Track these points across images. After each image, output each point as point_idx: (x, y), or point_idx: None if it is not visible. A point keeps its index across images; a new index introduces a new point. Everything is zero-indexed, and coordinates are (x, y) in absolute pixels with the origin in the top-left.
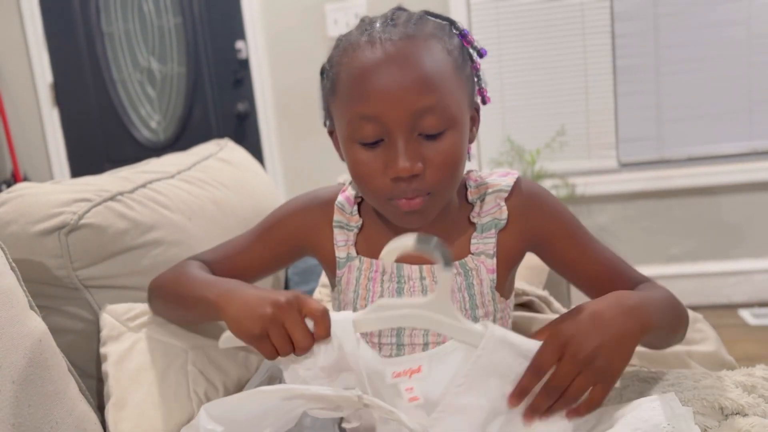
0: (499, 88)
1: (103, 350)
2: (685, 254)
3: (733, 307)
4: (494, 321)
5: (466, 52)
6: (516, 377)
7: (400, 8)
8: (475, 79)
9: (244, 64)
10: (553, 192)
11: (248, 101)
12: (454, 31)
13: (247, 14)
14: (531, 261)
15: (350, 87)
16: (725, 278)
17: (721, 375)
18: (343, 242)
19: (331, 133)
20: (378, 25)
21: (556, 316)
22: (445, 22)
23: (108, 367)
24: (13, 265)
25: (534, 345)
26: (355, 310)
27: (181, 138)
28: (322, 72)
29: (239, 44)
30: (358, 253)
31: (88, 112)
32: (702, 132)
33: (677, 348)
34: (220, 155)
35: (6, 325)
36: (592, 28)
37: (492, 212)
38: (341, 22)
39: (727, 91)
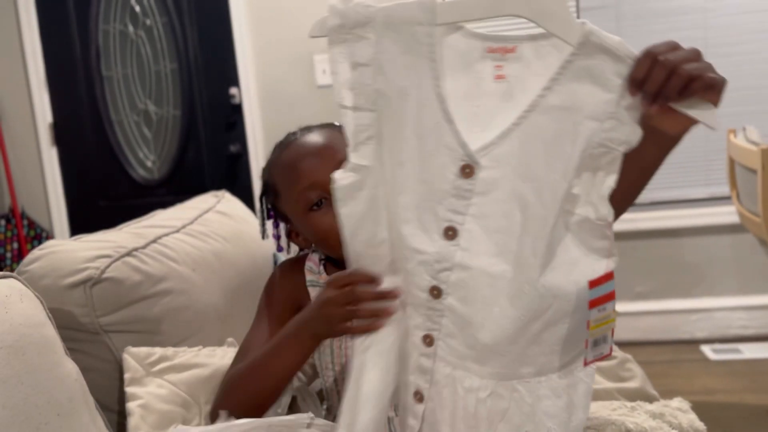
0: None
1: (128, 390)
2: (649, 292)
3: (694, 343)
4: None
5: None
6: (611, 86)
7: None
8: None
9: (237, 109)
10: None
11: (240, 143)
12: None
13: (241, 62)
14: None
15: (290, 167)
16: (687, 315)
17: (635, 405)
18: None
19: (290, 233)
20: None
21: None
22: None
23: (134, 407)
24: (50, 315)
25: (632, 51)
26: (331, 351)
27: (175, 177)
28: (264, 195)
29: (233, 90)
30: None
31: (86, 151)
32: (664, 179)
33: (607, 385)
34: (218, 208)
35: (52, 368)
36: None
37: None
38: (329, 71)
39: (687, 140)
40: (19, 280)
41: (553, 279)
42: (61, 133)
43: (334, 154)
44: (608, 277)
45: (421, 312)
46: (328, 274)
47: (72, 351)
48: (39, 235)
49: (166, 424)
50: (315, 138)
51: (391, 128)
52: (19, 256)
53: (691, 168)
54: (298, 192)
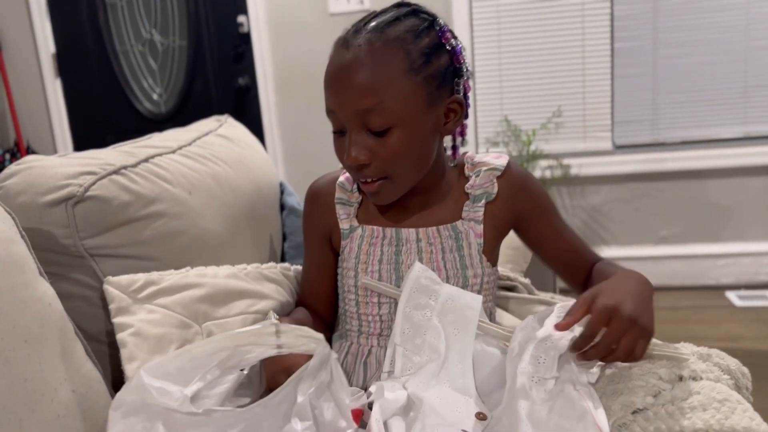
0: (497, 68)
1: (116, 320)
2: (675, 236)
3: (720, 289)
4: (482, 284)
5: (440, 50)
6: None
7: (380, 11)
8: (453, 73)
9: (246, 38)
10: (548, 173)
11: (249, 75)
12: (436, 27)
13: None
14: (515, 242)
15: (324, 83)
16: (713, 260)
17: (678, 346)
18: (345, 216)
19: None
20: (351, 29)
21: (538, 297)
22: (423, 21)
23: (126, 336)
24: (24, 233)
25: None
26: (355, 275)
27: (182, 111)
28: None
29: (241, 18)
30: (359, 222)
31: (91, 83)
32: (697, 116)
33: None
34: (219, 131)
35: (19, 289)
36: (592, 10)
37: (485, 186)
38: None
39: (723, 75)
40: None
41: None
42: (64, 64)
43: (363, 93)
44: None
45: None
46: (361, 194)
47: (54, 276)
48: None
49: (164, 348)
50: (362, 57)
51: None
52: None
53: (727, 105)
54: (326, 106)
